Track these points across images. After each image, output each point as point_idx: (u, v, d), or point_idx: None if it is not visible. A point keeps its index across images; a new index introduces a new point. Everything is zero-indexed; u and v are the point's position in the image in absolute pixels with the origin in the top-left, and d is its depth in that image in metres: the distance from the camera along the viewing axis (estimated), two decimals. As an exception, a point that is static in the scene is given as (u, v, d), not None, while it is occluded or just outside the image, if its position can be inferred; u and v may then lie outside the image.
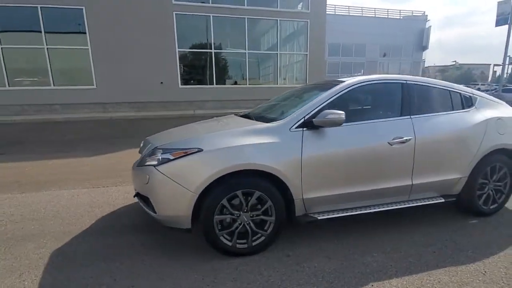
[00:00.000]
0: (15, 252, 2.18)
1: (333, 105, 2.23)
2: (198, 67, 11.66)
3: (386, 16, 26.15)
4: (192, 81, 11.61)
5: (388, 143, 2.23)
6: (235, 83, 12.19)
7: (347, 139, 2.18)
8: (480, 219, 2.67)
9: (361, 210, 2.28)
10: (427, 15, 26.54)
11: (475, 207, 2.65)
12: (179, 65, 10.93)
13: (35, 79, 10.17)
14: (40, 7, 9.32)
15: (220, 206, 1.95)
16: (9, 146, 6.24)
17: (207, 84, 11.59)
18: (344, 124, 2.16)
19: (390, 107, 2.47)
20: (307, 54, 12.05)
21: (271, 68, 12.67)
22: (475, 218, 2.69)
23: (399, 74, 2.89)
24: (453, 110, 2.58)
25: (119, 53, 10.17)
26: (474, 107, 2.68)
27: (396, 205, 2.38)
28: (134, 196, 2.40)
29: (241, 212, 2.02)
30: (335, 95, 2.27)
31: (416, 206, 2.41)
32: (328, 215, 2.20)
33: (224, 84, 11.83)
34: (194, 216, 1.97)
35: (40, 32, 9.52)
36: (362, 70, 25.81)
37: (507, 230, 2.48)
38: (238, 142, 2.00)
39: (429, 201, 2.47)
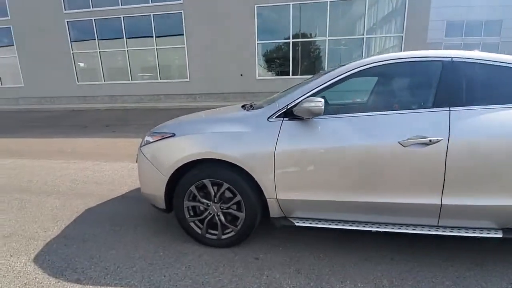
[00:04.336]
0: (66, 205, 2.87)
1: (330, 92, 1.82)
2: (275, 59, 11.70)
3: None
4: (269, 73, 11.78)
5: (399, 143, 1.65)
6: (313, 73, 11.59)
7: (339, 134, 1.75)
8: None
9: (357, 226, 1.81)
10: None
11: None
12: (257, 58, 11.27)
13: (151, 74, 12.71)
14: (153, 15, 11.47)
15: (189, 192, 1.97)
16: (121, 126, 8.14)
17: (283, 75, 11.52)
18: (341, 115, 1.77)
19: (418, 96, 1.81)
20: (402, 36, 10.11)
21: (357, 56, 11.33)
22: None
23: None
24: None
25: (206, 49, 11.39)
26: None
27: (414, 229, 1.76)
28: None
29: (211, 202, 1.97)
30: (331, 80, 1.84)
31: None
32: (310, 223, 1.86)
33: (301, 74, 11.43)
34: (171, 198, 2.05)
35: (152, 37, 11.76)
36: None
37: None
38: (209, 129, 1.94)
39: (474, 233, 1.70)
